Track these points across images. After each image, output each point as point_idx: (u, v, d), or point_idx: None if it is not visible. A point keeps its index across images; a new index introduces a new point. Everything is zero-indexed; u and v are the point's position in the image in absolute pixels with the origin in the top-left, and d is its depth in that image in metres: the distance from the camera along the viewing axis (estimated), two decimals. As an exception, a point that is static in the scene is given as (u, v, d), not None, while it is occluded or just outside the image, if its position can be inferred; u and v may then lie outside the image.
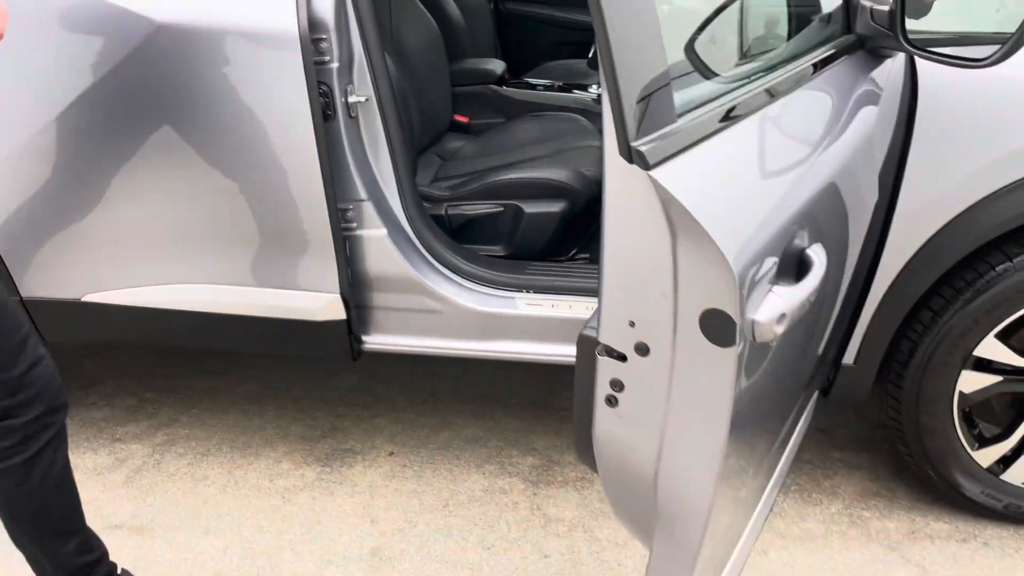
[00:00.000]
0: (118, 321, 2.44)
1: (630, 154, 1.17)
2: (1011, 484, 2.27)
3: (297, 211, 2.18)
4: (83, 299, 2.43)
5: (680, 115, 1.26)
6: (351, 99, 2.15)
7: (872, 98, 1.87)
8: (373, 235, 2.28)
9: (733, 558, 1.70)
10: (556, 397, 2.95)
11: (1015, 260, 2.01)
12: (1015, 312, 2.05)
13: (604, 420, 1.46)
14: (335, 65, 2.11)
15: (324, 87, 2.11)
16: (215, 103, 2.10)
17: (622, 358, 1.37)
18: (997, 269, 2.03)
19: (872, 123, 1.84)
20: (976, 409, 2.27)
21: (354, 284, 2.32)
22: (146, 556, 2.27)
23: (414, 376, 3.09)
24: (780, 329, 1.30)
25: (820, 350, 1.93)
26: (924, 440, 2.26)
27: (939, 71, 1.85)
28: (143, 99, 2.14)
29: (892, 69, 1.95)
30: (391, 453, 2.68)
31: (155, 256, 2.34)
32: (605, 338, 1.38)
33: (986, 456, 2.25)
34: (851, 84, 1.83)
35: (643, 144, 1.17)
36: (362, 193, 2.23)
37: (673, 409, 1.37)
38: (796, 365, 1.75)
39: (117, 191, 2.25)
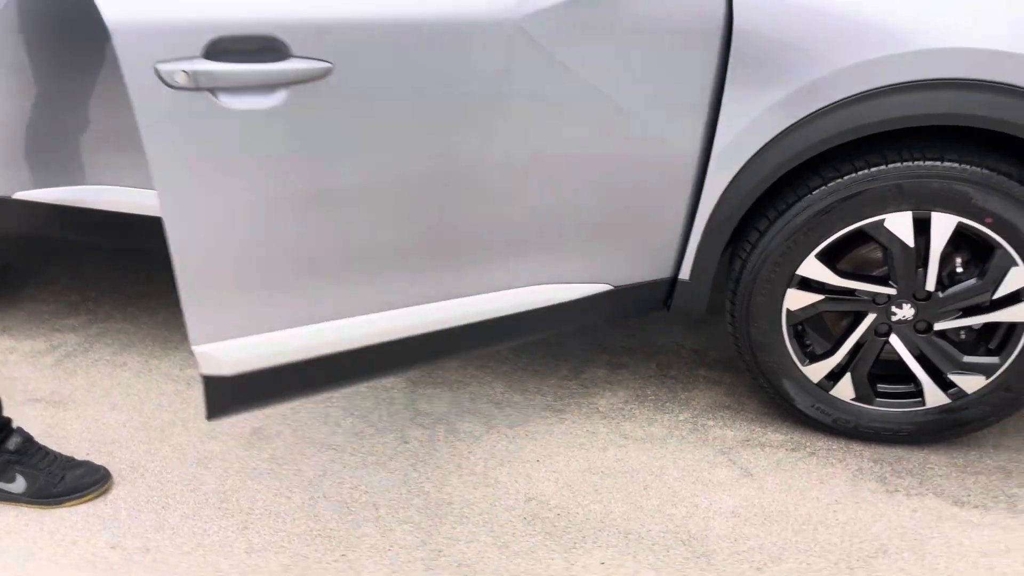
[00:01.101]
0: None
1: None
2: (839, 399, 2.43)
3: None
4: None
5: None
6: None
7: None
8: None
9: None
10: None
11: (829, 184, 2.16)
12: (832, 234, 2.21)
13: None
14: None
15: None
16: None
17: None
18: (814, 193, 2.18)
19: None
20: (811, 325, 2.44)
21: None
22: (56, 425, 2.55)
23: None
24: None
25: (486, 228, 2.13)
26: (757, 354, 2.42)
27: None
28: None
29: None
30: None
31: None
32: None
33: (816, 371, 2.41)
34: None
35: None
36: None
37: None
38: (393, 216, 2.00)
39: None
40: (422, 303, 2.15)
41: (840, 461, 2.43)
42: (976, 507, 2.25)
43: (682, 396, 2.71)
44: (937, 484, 2.33)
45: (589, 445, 2.49)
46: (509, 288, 2.26)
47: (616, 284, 2.37)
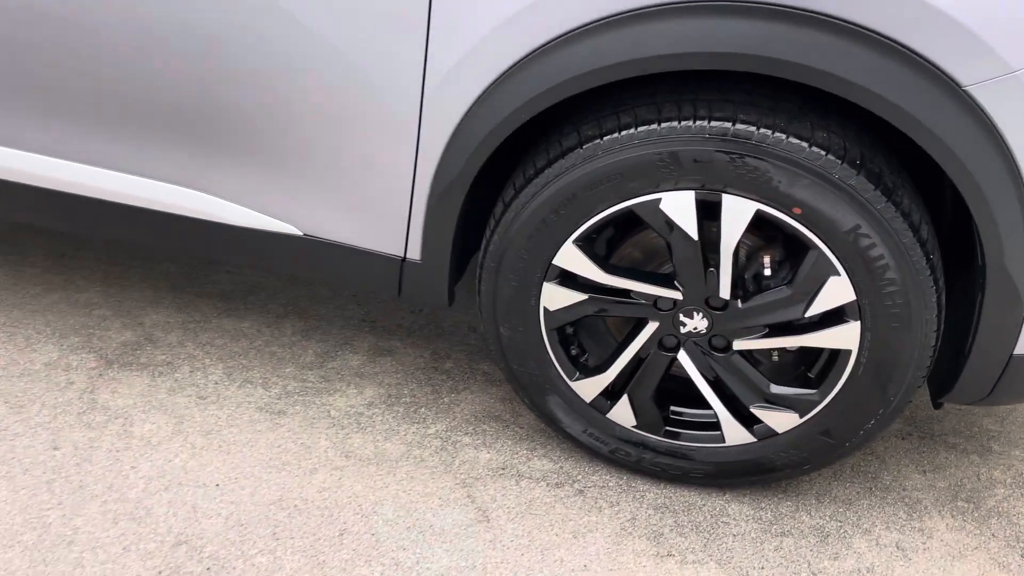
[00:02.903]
0: None
1: None
2: (618, 425, 1.86)
3: None
4: None
5: None
6: None
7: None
8: None
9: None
10: (197, 276, 2.59)
11: (586, 146, 1.55)
12: (593, 214, 1.61)
13: None
14: None
15: None
16: None
17: None
18: (567, 156, 1.57)
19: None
20: (586, 330, 1.87)
21: None
22: None
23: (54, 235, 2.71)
24: None
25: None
26: (510, 361, 1.85)
27: None
28: None
29: None
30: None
31: None
32: None
33: (587, 388, 1.84)
34: None
35: None
36: None
37: None
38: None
39: None
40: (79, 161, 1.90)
41: (612, 505, 1.88)
42: (767, 587, 1.72)
43: (445, 400, 2.15)
44: (726, 548, 1.78)
45: (296, 465, 1.93)
46: (165, 180, 1.85)
47: (309, 234, 1.80)
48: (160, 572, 1.65)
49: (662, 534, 1.81)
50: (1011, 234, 1.42)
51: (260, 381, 2.16)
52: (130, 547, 1.70)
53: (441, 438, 2.02)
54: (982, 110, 1.35)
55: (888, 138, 1.56)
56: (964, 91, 1.34)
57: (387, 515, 1.81)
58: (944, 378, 1.71)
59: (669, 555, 1.75)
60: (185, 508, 1.80)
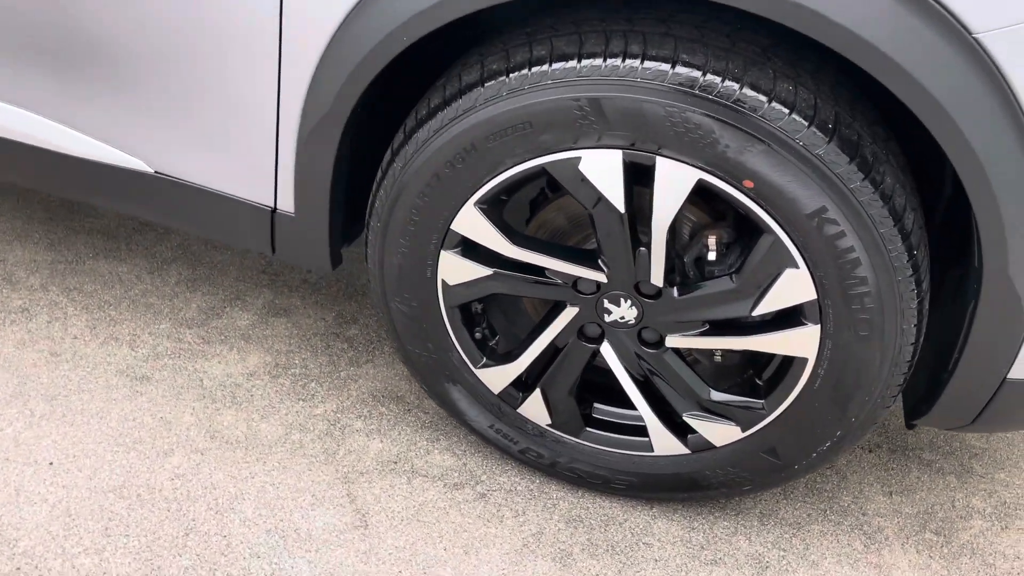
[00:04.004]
0: None
1: None
2: (530, 422, 1.57)
3: None
4: None
5: None
6: None
7: None
8: None
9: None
10: (79, 208, 2.24)
11: (489, 83, 1.22)
12: (497, 172, 1.29)
13: None
14: None
15: None
16: None
17: None
18: (464, 96, 1.25)
19: None
20: (501, 309, 1.56)
21: None
22: None
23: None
24: None
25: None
26: (403, 340, 1.55)
27: None
28: None
29: None
30: None
31: None
32: None
33: (495, 378, 1.54)
34: None
35: None
36: None
37: None
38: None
39: None
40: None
41: (518, 515, 1.60)
42: (685, 629, 1.45)
43: (342, 374, 1.85)
44: (644, 577, 1.52)
45: (149, 445, 1.64)
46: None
47: (161, 172, 1.49)
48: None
49: (571, 554, 1.53)
50: (1020, 234, 1.11)
51: (127, 338, 1.85)
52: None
53: (328, 420, 1.73)
54: (997, 68, 1.02)
55: (876, 95, 1.24)
56: (974, 39, 1.02)
57: (246, 513, 1.53)
58: (922, 396, 1.42)
59: (575, 582, 1.49)
60: (6, 491, 1.51)
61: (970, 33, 1.00)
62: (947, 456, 1.79)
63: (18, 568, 1.40)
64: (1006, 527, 1.64)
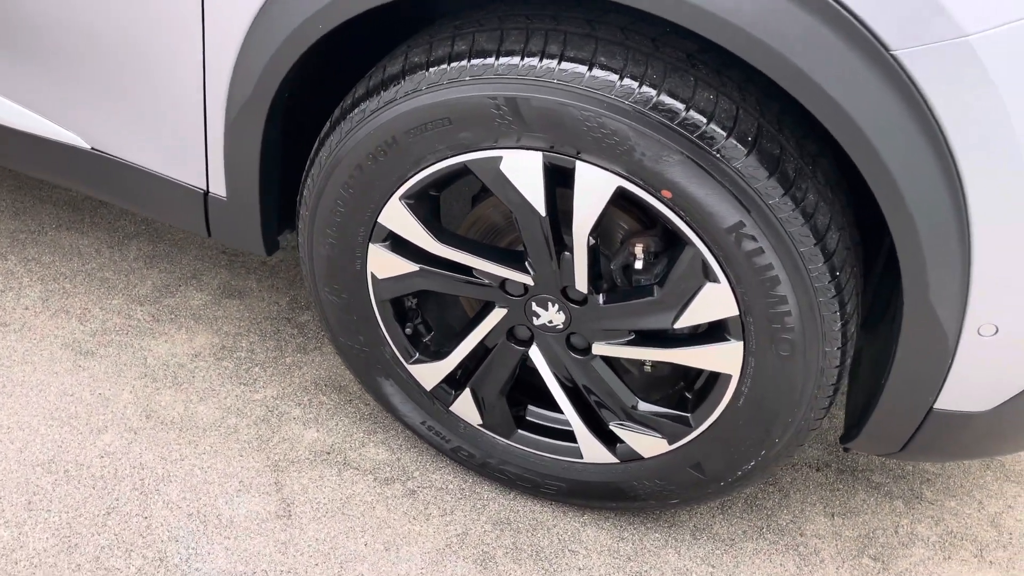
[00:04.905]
0: None
1: None
2: (462, 421, 1.55)
3: None
4: None
5: None
6: None
7: None
8: None
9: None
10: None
11: (410, 76, 1.19)
12: (421, 167, 1.25)
13: None
14: None
15: None
16: None
17: None
18: (389, 88, 1.21)
19: None
20: (437, 304, 1.54)
21: None
22: None
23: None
24: None
25: None
26: (335, 331, 1.52)
27: None
28: None
29: None
30: None
31: None
32: None
33: (427, 374, 1.51)
34: None
35: None
36: None
37: None
38: None
39: None
40: None
41: (445, 514, 1.58)
42: (599, 641, 1.42)
43: (287, 360, 1.83)
44: (564, 586, 1.49)
45: (84, 421, 1.63)
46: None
47: (97, 148, 1.48)
48: None
49: (493, 557, 1.51)
50: (941, 260, 1.06)
51: (78, 312, 1.85)
52: None
53: (267, 406, 1.71)
54: (915, 87, 0.98)
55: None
56: (892, 56, 0.97)
57: (170, 496, 1.53)
58: (855, 420, 1.38)
59: (493, 586, 1.47)
60: (-78, 464, 1.54)
61: (887, 50, 0.95)
62: (897, 480, 1.74)
63: (-64, 537, 1.41)
64: (948, 557, 1.60)
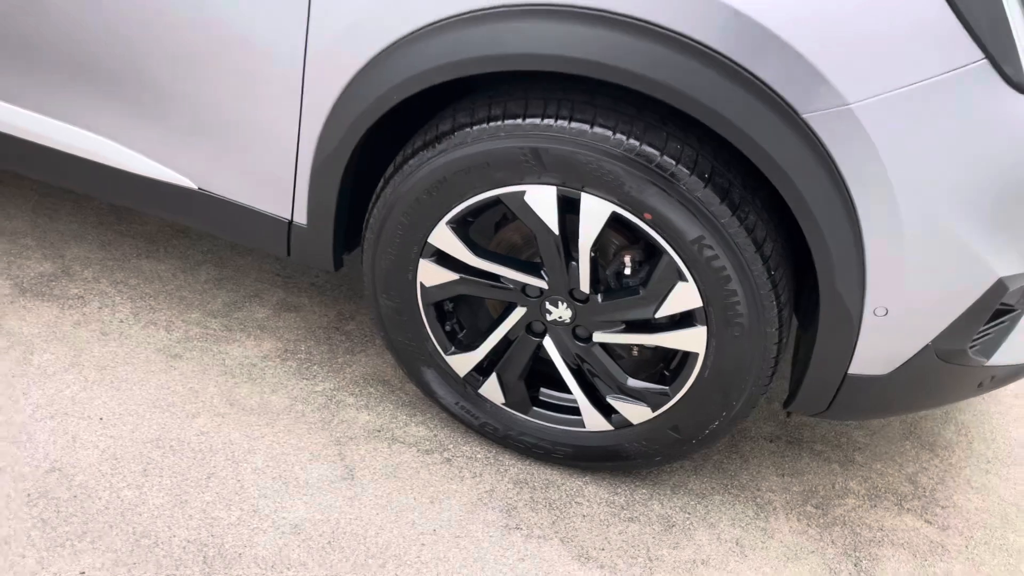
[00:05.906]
0: None
1: None
2: (488, 401, 1.94)
3: None
4: None
5: None
6: None
7: None
8: None
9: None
10: (126, 216, 2.64)
11: (457, 133, 1.60)
12: (464, 199, 1.67)
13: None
14: None
15: None
16: None
17: None
18: (442, 142, 1.63)
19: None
20: (469, 307, 1.93)
21: None
22: None
23: None
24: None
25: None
26: (390, 331, 1.92)
27: None
28: None
29: None
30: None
31: None
32: None
33: (461, 363, 1.91)
34: None
35: None
36: None
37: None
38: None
39: None
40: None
41: (475, 476, 1.97)
42: (601, 567, 1.79)
43: (339, 360, 2.22)
44: (572, 528, 1.87)
45: (180, 408, 2.01)
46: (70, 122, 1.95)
47: (204, 188, 1.88)
48: (29, 495, 1.75)
49: (516, 508, 1.89)
50: (843, 260, 1.48)
51: (164, 324, 2.24)
52: (5, 469, 1.80)
53: (326, 396, 2.10)
54: (820, 142, 1.40)
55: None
56: (803, 120, 1.39)
57: (256, 464, 1.90)
58: (792, 388, 1.79)
59: (517, 528, 1.84)
60: (66, 438, 1.89)
61: (799, 115, 1.38)
62: (835, 448, 2.15)
63: (75, 496, 1.77)
64: (874, 506, 2.00)
